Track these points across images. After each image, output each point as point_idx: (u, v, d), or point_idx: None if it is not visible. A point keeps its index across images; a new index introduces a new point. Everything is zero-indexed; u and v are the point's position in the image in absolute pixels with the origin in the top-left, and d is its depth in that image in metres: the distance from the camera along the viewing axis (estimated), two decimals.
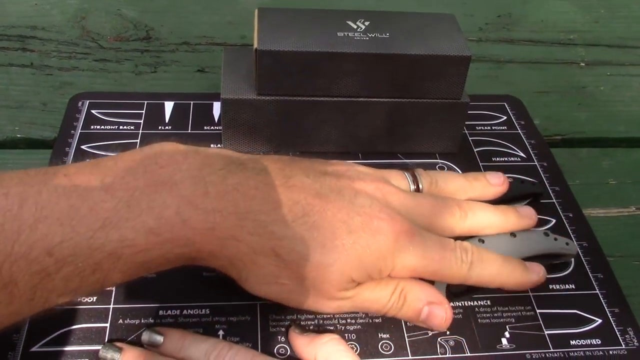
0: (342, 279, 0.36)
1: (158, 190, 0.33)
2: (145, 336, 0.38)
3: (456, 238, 0.41)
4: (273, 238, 0.35)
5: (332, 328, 0.41)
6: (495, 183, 0.46)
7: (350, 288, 0.37)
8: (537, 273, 0.42)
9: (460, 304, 0.43)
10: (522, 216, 0.45)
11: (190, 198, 0.34)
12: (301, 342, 0.38)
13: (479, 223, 0.43)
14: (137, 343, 0.39)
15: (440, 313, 0.39)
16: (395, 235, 0.37)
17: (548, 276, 0.44)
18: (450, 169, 0.53)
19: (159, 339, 0.38)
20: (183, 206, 0.34)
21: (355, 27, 0.50)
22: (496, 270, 0.40)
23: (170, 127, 0.54)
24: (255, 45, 0.47)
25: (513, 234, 0.45)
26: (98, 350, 0.38)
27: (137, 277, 0.35)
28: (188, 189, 0.34)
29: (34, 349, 0.38)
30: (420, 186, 0.44)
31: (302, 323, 0.41)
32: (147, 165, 0.34)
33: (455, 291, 0.43)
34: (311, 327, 0.41)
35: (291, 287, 0.37)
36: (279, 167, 0.38)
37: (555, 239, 0.46)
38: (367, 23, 0.50)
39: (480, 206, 0.44)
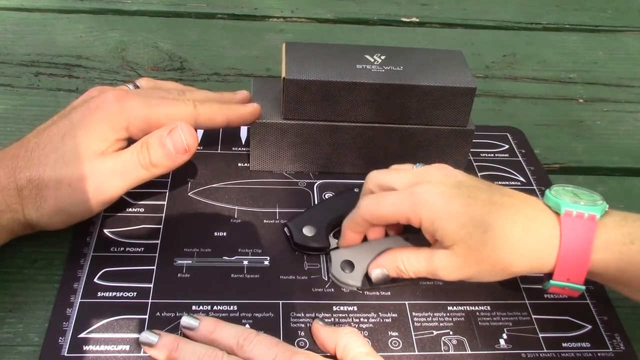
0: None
1: None
2: (184, 319, 0.43)
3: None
4: None
5: (347, 325, 0.46)
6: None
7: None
8: (250, 106, 0.54)
9: (462, 308, 0.48)
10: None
11: None
12: (324, 332, 0.43)
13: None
14: (172, 333, 0.44)
15: (175, 132, 0.46)
16: (114, 98, 0.47)
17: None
18: None
19: (196, 323, 0.43)
20: None
21: (372, 60, 0.55)
22: (217, 107, 0.51)
23: (201, 147, 0.60)
24: (284, 75, 0.53)
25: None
26: (138, 337, 0.43)
27: None
28: None
29: (81, 335, 0.43)
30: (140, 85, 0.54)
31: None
32: None
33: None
34: (329, 323, 0.45)
35: None
36: None
37: None
38: (383, 57, 0.56)
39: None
